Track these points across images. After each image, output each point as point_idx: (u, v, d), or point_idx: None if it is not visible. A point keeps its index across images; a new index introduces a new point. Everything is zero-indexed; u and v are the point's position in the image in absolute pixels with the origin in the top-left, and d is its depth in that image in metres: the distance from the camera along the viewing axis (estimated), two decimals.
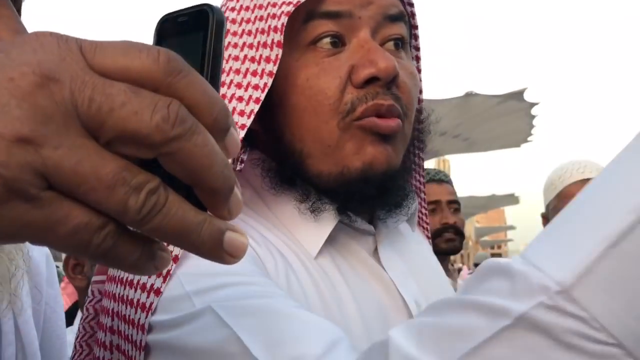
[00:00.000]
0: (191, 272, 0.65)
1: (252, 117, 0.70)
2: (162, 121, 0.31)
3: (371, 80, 0.71)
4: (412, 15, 0.84)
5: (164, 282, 0.64)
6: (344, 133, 0.72)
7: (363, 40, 0.72)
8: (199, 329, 0.61)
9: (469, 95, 17.39)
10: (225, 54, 0.74)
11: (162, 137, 0.31)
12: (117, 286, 0.69)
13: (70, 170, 0.30)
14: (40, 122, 0.30)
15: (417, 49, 0.88)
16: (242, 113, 0.70)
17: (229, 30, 0.76)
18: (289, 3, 0.70)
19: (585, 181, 1.92)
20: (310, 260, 0.73)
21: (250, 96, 0.71)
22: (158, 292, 0.64)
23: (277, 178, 0.77)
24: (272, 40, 0.71)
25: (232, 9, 0.78)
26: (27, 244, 1.02)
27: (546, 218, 2.07)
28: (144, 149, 0.31)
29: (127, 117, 0.30)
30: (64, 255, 1.99)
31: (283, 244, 0.73)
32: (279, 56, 0.70)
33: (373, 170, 0.72)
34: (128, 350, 0.65)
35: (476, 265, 9.30)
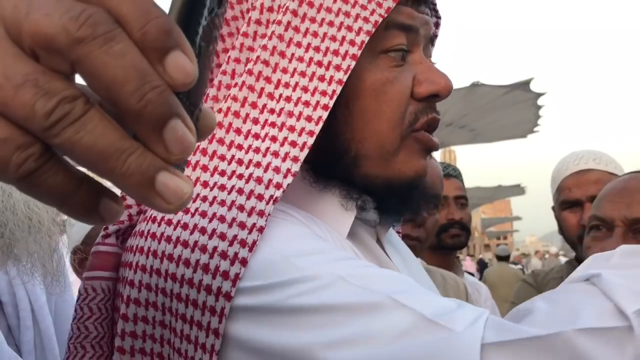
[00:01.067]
0: (283, 238, 0.64)
1: (335, 96, 0.71)
2: (70, 21, 0.28)
3: (430, 96, 0.76)
4: (437, 25, 0.87)
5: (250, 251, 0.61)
6: (402, 142, 0.75)
7: (421, 58, 0.77)
8: (318, 289, 0.58)
9: (475, 85, 17.36)
10: (304, 41, 0.73)
11: (67, 38, 0.28)
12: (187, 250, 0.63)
13: None
14: None
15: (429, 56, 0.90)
16: (324, 93, 0.72)
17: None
18: (367, 19, 0.73)
19: (580, 173, 1.92)
20: (346, 241, 0.75)
21: (332, 76, 0.72)
22: (244, 262, 0.60)
23: (318, 176, 0.77)
24: (348, 52, 0.72)
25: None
26: (68, 225, 1.02)
27: (555, 211, 2.08)
28: (55, 57, 0.29)
29: (39, 19, 0.28)
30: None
31: (323, 228, 0.74)
32: (351, 67, 0.72)
33: (420, 180, 0.77)
34: (201, 321, 0.60)
35: (498, 257, 9.37)
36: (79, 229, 1.82)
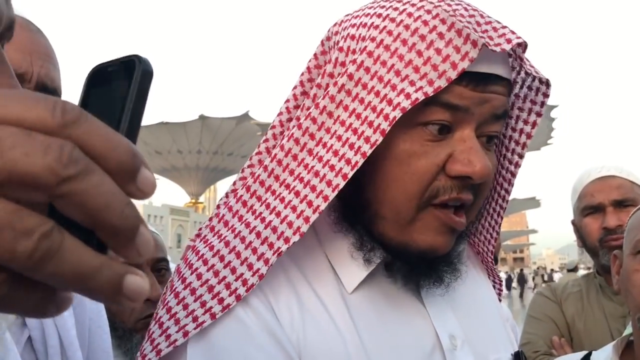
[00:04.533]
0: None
1: (356, 168, 0.74)
2: (54, 162, 0.30)
3: (461, 177, 0.75)
4: (545, 83, 0.85)
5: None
6: (420, 212, 0.77)
7: (467, 136, 0.76)
8: None
9: None
10: (351, 106, 0.77)
11: (55, 178, 0.30)
12: None
13: None
14: None
15: (539, 114, 0.89)
16: (348, 161, 0.74)
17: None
18: (408, 96, 0.72)
19: (603, 179, 1.94)
20: (338, 300, 0.78)
21: (360, 147, 0.74)
22: (239, 297, 0.74)
23: (341, 218, 0.82)
24: (380, 125, 0.73)
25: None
26: None
27: (574, 224, 2.06)
28: (36, 192, 0.30)
29: (17, 159, 0.29)
30: None
31: (309, 288, 0.78)
32: (378, 141, 0.73)
33: (433, 254, 0.79)
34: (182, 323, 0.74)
35: (568, 270, 9.48)
36: None
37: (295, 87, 0.86)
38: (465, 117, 0.76)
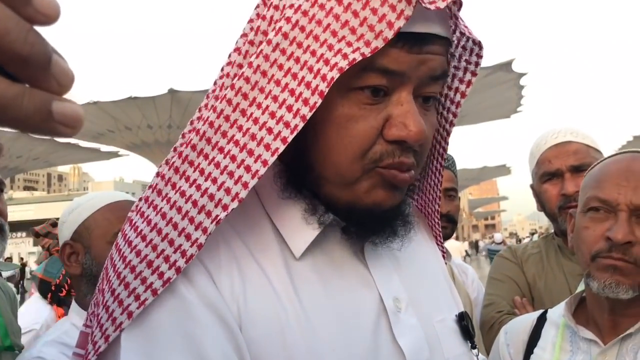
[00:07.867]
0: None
1: (296, 131, 0.72)
2: None
3: (398, 141, 0.75)
4: (478, 45, 0.86)
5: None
6: (364, 174, 0.77)
7: (404, 99, 0.75)
8: None
9: None
10: (286, 65, 0.73)
11: None
12: None
13: None
14: None
15: (474, 74, 0.90)
16: (287, 124, 0.72)
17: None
18: (345, 56, 0.71)
19: (559, 145, 1.97)
20: (281, 269, 0.77)
21: (299, 109, 0.72)
22: (179, 270, 0.70)
23: (288, 184, 0.81)
24: (318, 87, 0.71)
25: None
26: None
27: (534, 189, 2.10)
28: None
29: None
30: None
31: (251, 259, 0.77)
32: (317, 104, 0.71)
33: (379, 209, 0.79)
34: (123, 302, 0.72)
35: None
36: (68, 226, 1.86)
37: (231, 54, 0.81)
38: (402, 81, 0.75)
